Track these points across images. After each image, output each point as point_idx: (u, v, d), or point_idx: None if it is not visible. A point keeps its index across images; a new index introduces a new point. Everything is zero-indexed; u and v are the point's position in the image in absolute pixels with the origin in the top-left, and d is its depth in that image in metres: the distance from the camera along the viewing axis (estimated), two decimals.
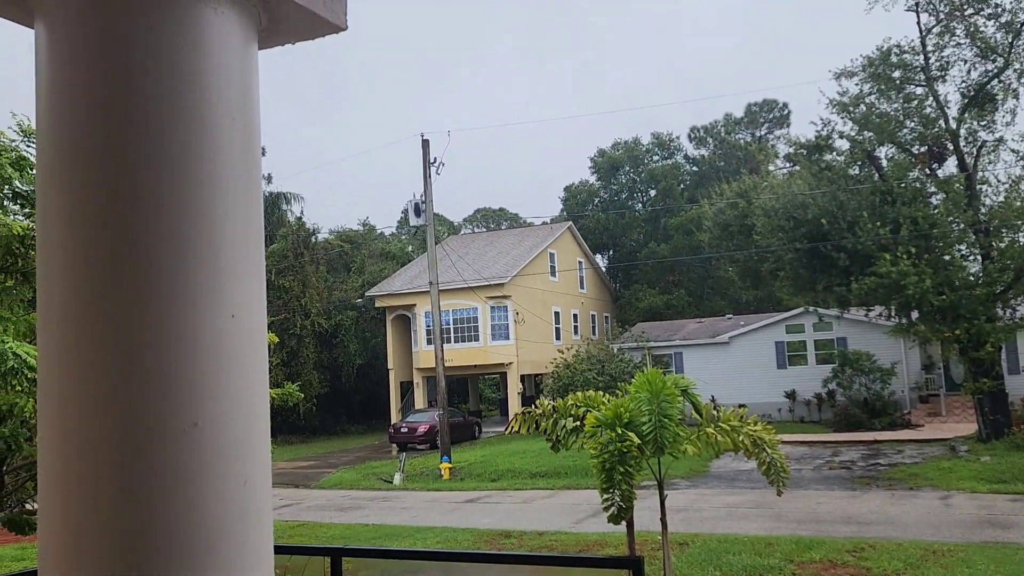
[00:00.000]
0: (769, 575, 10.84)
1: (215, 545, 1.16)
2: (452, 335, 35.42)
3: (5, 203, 6.56)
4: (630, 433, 5.47)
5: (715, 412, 6.15)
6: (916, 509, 14.98)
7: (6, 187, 6.34)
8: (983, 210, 22.16)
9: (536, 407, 6.41)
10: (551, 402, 6.37)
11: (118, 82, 1.17)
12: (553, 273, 39.77)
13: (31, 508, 9.18)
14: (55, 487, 1.16)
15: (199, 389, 1.16)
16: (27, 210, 6.88)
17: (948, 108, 22.64)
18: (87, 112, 1.18)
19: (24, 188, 6.46)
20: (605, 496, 5.52)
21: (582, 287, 43.22)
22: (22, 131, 6.60)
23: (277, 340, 8.55)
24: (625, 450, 5.43)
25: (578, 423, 6.04)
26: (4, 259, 6.40)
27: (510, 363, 35.33)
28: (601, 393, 6.32)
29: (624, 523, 5.87)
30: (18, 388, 6.08)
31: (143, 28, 1.17)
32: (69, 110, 1.20)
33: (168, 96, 1.18)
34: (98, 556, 1.12)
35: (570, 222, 44.59)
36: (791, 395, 30.82)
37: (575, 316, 41.69)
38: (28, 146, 6.59)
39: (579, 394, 6.29)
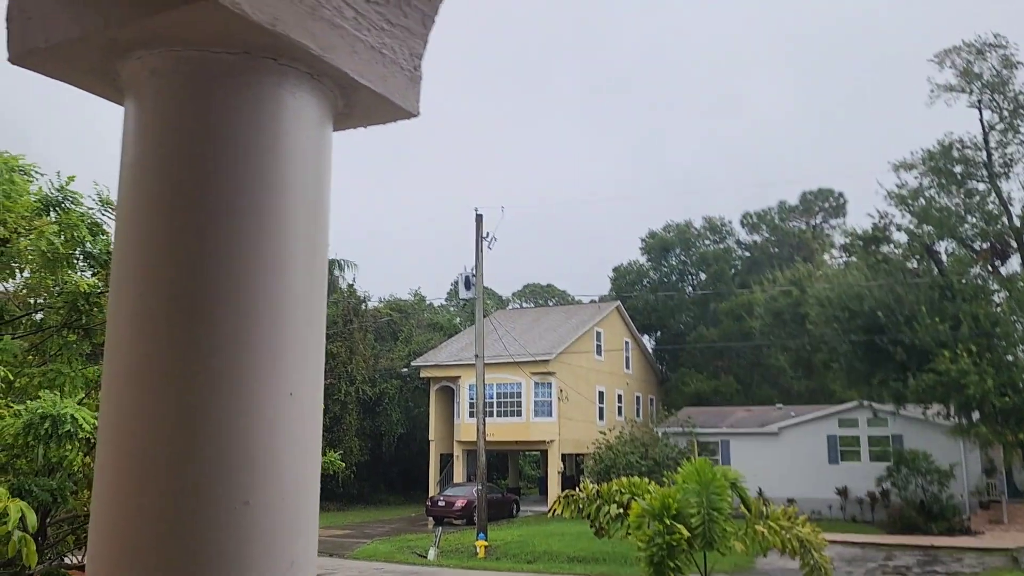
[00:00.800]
0: None
1: None
2: (495, 409, 35.18)
3: (77, 263, 6.84)
4: (679, 526, 5.29)
5: (764, 508, 5.93)
6: None
7: (79, 248, 6.61)
8: None
9: (580, 491, 6.27)
10: (595, 486, 6.22)
11: (198, 162, 1.22)
12: (599, 352, 39.47)
13: (69, 563, 9.22)
14: (106, 554, 1.15)
15: (253, 468, 1.16)
16: (95, 270, 7.13)
17: (1012, 205, 22.26)
18: (166, 189, 1.23)
19: (94, 250, 6.72)
20: None
21: (628, 368, 42.74)
22: (101, 200, 6.92)
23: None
24: (675, 543, 5.25)
25: (622, 510, 5.87)
26: (69, 315, 6.61)
27: (551, 441, 34.82)
28: (647, 480, 6.16)
29: None
30: (68, 445, 6.17)
31: (226, 110, 1.22)
32: (149, 186, 1.24)
33: (244, 177, 1.22)
34: None
35: (618, 302, 44.44)
36: (843, 492, 29.61)
37: (619, 397, 41.12)
38: (103, 214, 6.89)
39: (624, 480, 6.14)
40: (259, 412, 1.18)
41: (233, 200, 1.22)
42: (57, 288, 6.70)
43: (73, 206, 6.49)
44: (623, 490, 6.04)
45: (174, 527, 1.11)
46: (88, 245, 6.58)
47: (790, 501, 25.84)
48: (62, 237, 6.12)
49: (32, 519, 4.69)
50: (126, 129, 1.30)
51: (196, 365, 1.16)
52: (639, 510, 5.65)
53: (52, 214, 6.40)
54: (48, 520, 7.39)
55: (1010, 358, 21.33)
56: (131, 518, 1.14)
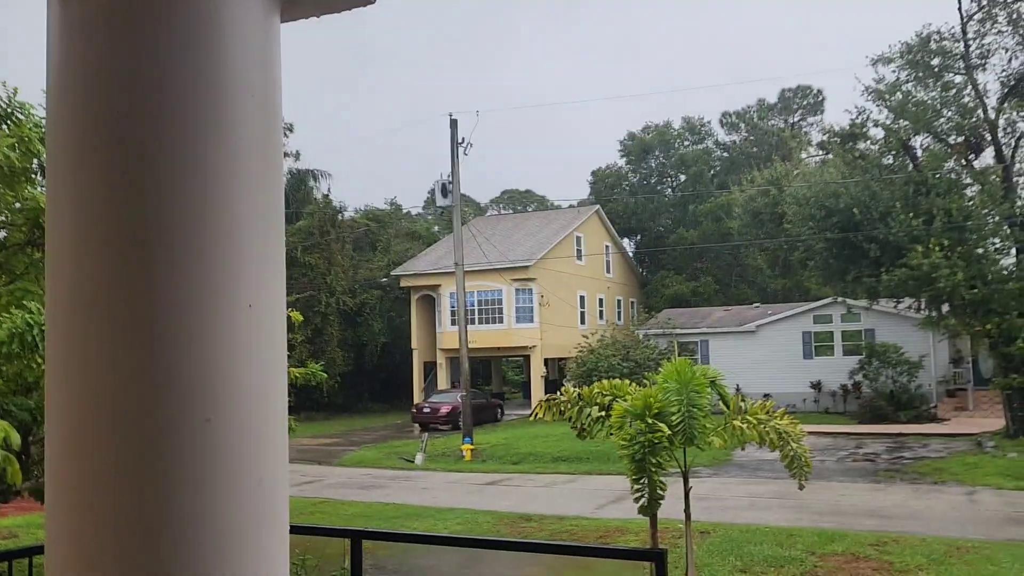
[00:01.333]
0: (790, 567, 10.74)
1: (227, 547, 1.11)
2: (476, 317, 35.47)
3: (33, 176, 6.60)
4: (661, 424, 5.40)
5: (742, 404, 6.06)
6: (940, 504, 14.77)
7: (35, 160, 6.37)
8: (1020, 203, 21.69)
9: (561, 394, 6.35)
10: (576, 389, 6.30)
11: (132, 59, 1.11)
12: (579, 257, 39.61)
13: None
14: (62, 481, 1.11)
15: (213, 383, 1.10)
16: None
17: (987, 98, 22.14)
18: (100, 91, 1.12)
19: None
20: (636, 487, 5.47)
21: (608, 271, 43.02)
22: None
23: (302, 318, 8.56)
24: (656, 441, 5.37)
25: (603, 412, 5.97)
26: (32, 232, 6.44)
27: (534, 346, 35.32)
28: (627, 382, 6.24)
29: (643, 514, 5.80)
30: (38, 358, 6.11)
31: (158, 1, 1.11)
32: (81, 88, 1.14)
33: (184, 73, 1.11)
34: (106, 553, 1.07)
35: (597, 206, 44.33)
36: (817, 386, 30.52)
37: (600, 301, 41.54)
38: None
39: (605, 382, 6.23)
40: (216, 326, 1.11)
41: (174, 99, 1.12)
42: (18, 205, 6.50)
43: (24, 117, 6.20)
44: (604, 392, 6.13)
45: (134, 449, 1.06)
46: (45, 158, 6.34)
47: (766, 396, 26.57)
48: (16, 151, 5.89)
49: (15, 438, 4.69)
50: (50, 29, 1.19)
51: (144, 280, 1.09)
52: (621, 411, 5.74)
53: (3, 127, 6.13)
54: (31, 439, 7.41)
55: (980, 251, 21.63)
56: (87, 445, 1.09)
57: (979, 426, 23.95)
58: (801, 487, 5.97)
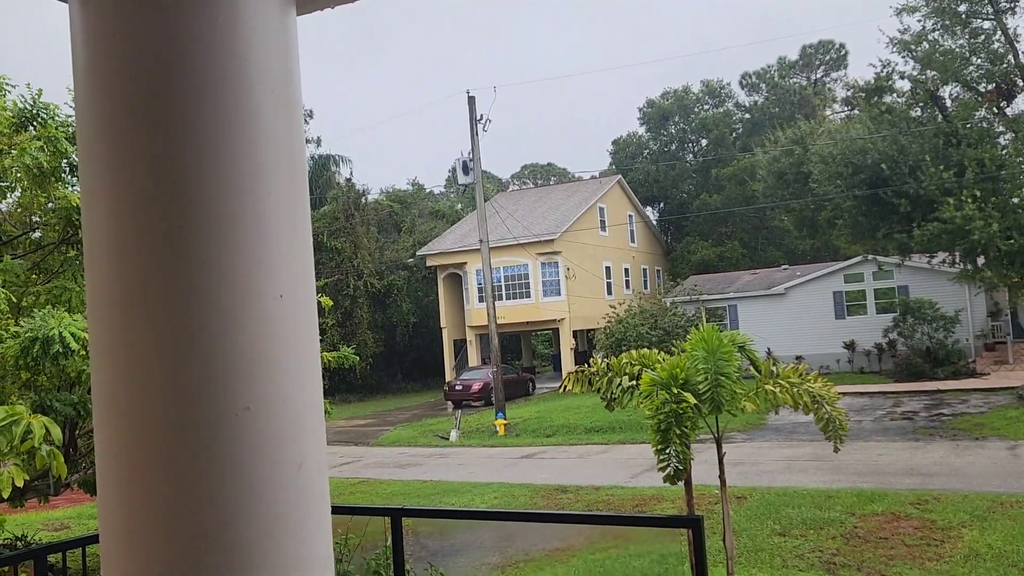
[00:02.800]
0: (830, 528, 10.73)
1: (271, 530, 1.14)
2: (503, 292, 35.52)
3: (64, 176, 6.70)
4: (686, 394, 5.39)
5: (774, 368, 6.02)
6: (982, 460, 14.62)
7: (64, 160, 6.46)
8: None
9: (590, 366, 6.36)
10: (605, 361, 6.30)
11: (154, 58, 1.13)
12: (603, 228, 39.43)
13: None
14: (111, 473, 1.15)
15: (250, 372, 1.13)
16: None
17: (1018, 42, 21.50)
18: (125, 90, 1.14)
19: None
20: (661, 457, 5.47)
21: (633, 241, 42.79)
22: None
23: (331, 303, 8.64)
24: (681, 411, 5.36)
25: (633, 382, 5.97)
26: (65, 231, 6.54)
27: (562, 319, 35.32)
28: (656, 351, 6.23)
29: (669, 483, 5.82)
30: (83, 354, 6.23)
31: (177, 1, 1.12)
32: (106, 88, 1.16)
33: (206, 71, 1.13)
34: (157, 540, 1.11)
35: (619, 175, 44.00)
36: (850, 345, 30.21)
37: (626, 271, 41.38)
38: None
39: (633, 352, 6.22)
40: (250, 317, 1.14)
41: (196, 97, 1.14)
42: (50, 205, 6.61)
43: (48, 118, 6.28)
44: (633, 362, 6.13)
45: (178, 439, 1.10)
46: (74, 156, 6.43)
47: (798, 358, 26.37)
48: (45, 152, 5.96)
49: (56, 433, 4.79)
50: (73, 29, 1.21)
51: (178, 276, 1.12)
52: (649, 380, 5.74)
53: (31, 128, 6.21)
54: (76, 433, 7.59)
55: (1015, 200, 21.15)
56: (133, 437, 1.12)
57: (1020, 379, 23.57)
58: (837, 450, 5.94)
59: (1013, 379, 23.91)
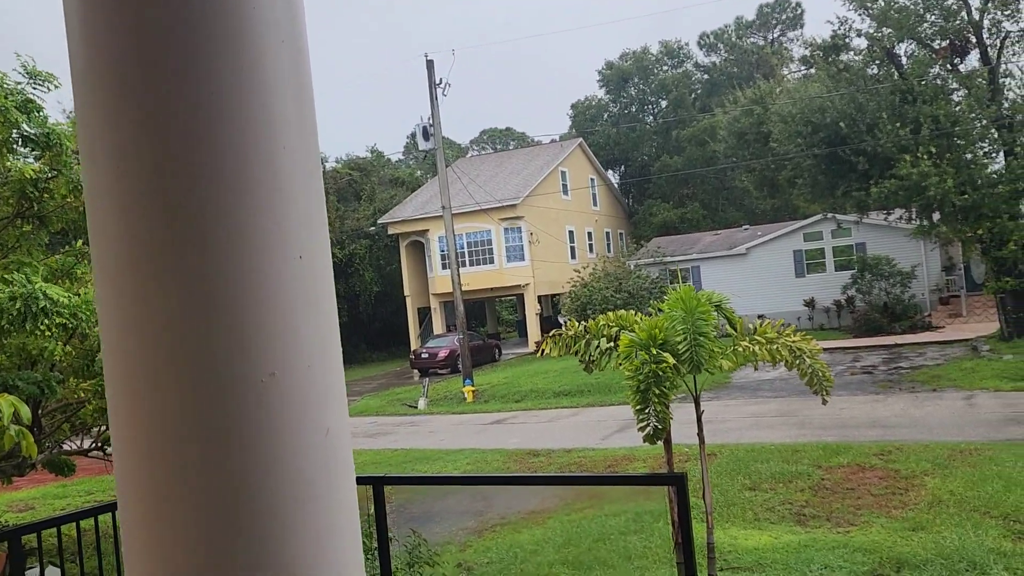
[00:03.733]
0: (798, 481, 10.97)
1: (301, 498, 1.09)
2: (467, 258, 35.40)
3: (16, 147, 6.41)
4: (665, 354, 5.40)
5: (751, 325, 6.07)
6: (940, 410, 15.05)
7: (14, 131, 6.17)
8: (1006, 104, 21.55)
9: (567, 328, 6.35)
10: (582, 323, 6.29)
11: (157, 8, 1.03)
12: (565, 192, 39.39)
13: (68, 448, 9.35)
14: (129, 447, 1.07)
15: (273, 337, 1.06)
16: (36, 153, 6.73)
17: None
18: (126, 45, 1.05)
19: (32, 131, 6.28)
20: (640, 417, 5.49)
21: (595, 204, 42.85)
22: (27, 73, 6.37)
23: None
24: (661, 372, 5.37)
25: (611, 344, 5.97)
26: (20, 204, 6.29)
27: (526, 284, 35.37)
28: (633, 312, 6.23)
29: (648, 443, 5.86)
30: (47, 333, 6.06)
31: None
32: (106, 43, 1.06)
33: (212, 19, 1.04)
34: (181, 510, 1.05)
35: (580, 139, 43.88)
36: (810, 303, 30.78)
37: (589, 234, 41.48)
38: (34, 88, 6.39)
39: (611, 314, 6.21)
40: (270, 279, 1.07)
41: (205, 49, 1.05)
42: (1, 177, 6.33)
43: None
44: (611, 324, 6.12)
45: (201, 410, 1.03)
46: (25, 127, 6.14)
47: (760, 317, 26.78)
48: None
49: (25, 411, 4.65)
50: None
51: (192, 242, 1.04)
52: (628, 341, 5.74)
53: None
54: (40, 411, 7.40)
55: (969, 156, 21.56)
56: (151, 410, 1.05)
57: (974, 331, 24.28)
58: (824, 402, 6.02)
59: (967, 331, 24.61)
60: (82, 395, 7.19)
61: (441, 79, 27.02)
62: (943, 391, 16.91)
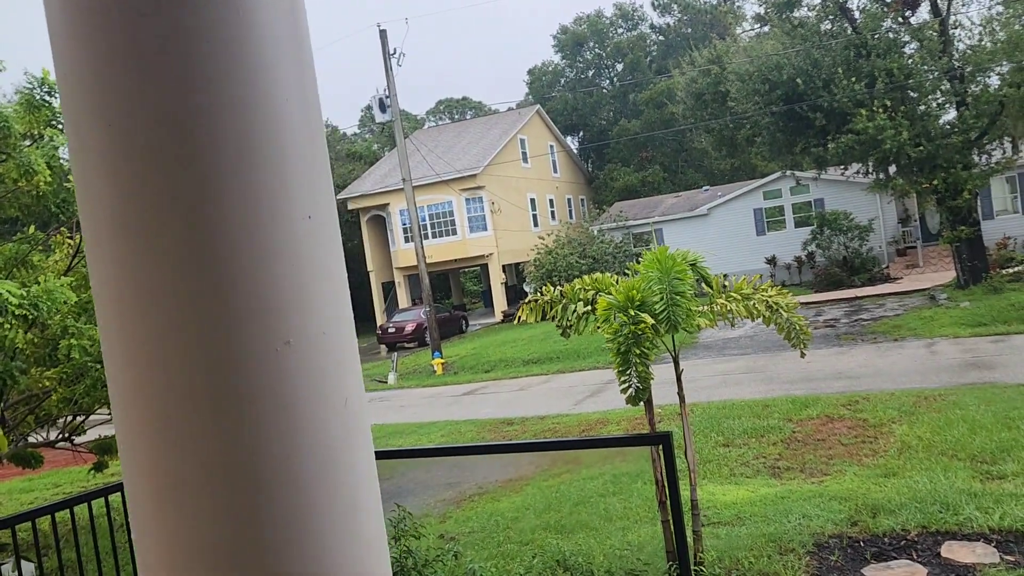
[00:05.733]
0: (770, 435, 11.15)
1: (322, 469, 1.03)
2: (429, 231, 35.16)
3: None
4: (643, 315, 5.39)
5: (726, 283, 6.09)
6: (903, 359, 15.39)
7: None
8: (956, 56, 21.83)
9: (542, 294, 6.30)
10: (559, 288, 6.25)
11: None
12: (525, 160, 39.22)
13: (33, 441, 9.12)
14: (133, 421, 1.00)
15: (287, 304, 1.00)
16: None
17: None
18: (105, 20, 0.97)
19: None
20: (623, 379, 5.49)
21: (555, 171, 42.76)
22: None
23: None
24: (640, 332, 5.36)
25: (588, 307, 5.94)
26: None
27: (490, 254, 35.28)
28: (608, 275, 6.21)
29: (631, 404, 5.87)
30: (5, 325, 5.86)
31: None
32: (83, 25, 0.98)
33: None
34: (199, 490, 0.98)
35: (537, 106, 43.62)
36: (772, 260, 31.19)
37: (551, 201, 41.43)
38: None
39: (587, 278, 6.17)
40: (280, 241, 1.00)
41: (193, 4, 0.97)
42: None
43: None
44: (587, 287, 6.09)
45: (216, 382, 0.96)
46: None
47: (724, 276, 27.08)
48: None
49: None
50: None
51: (195, 206, 0.97)
52: (605, 304, 5.72)
53: None
54: (2, 404, 7.18)
55: (923, 108, 21.86)
56: (157, 384, 0.98)
57: (931, 281, 24.83)
58: (803, 355, 6.07)
59: (924, 281, 25.16)
60: (47, 384, 6.99)
61: (395, 49, 26.59)
62: (904, 340, 17.29)
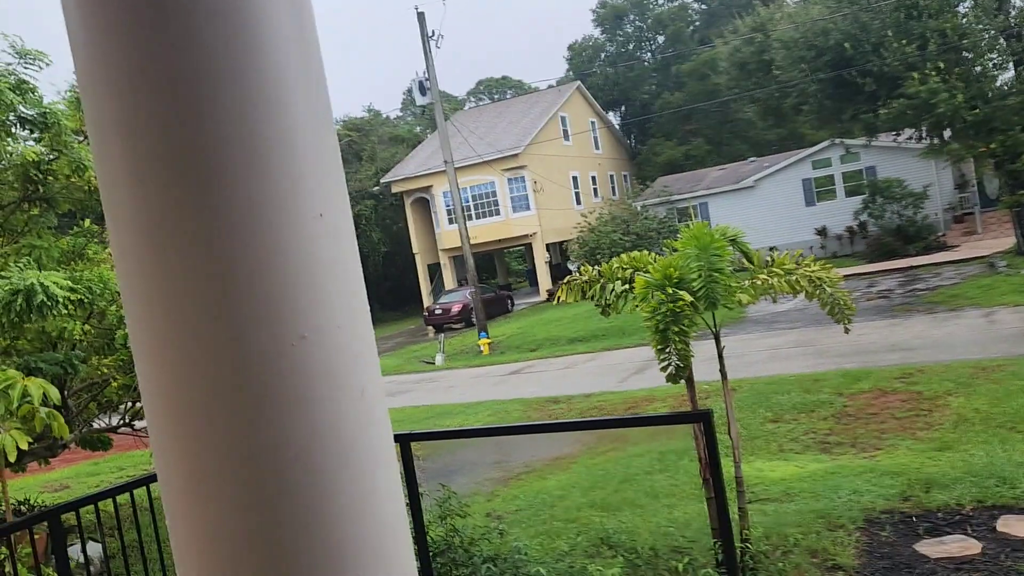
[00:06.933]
0: (820, 410, 11.00)
1: (341, 459, 1.07)
2: (473, 212, 35.25)
3: (13, 130, 6.34)
4: (681, 292, 5.35)
5: (768, 258, 6.01)
6: (960, 329, 14.99)
7: (11, 114, 6.09)
8: (1013, 13, 20.98)
9: (581, 274, 6.30)
10: (596, 268, 6.24)
11: None
12: (567, 137, 38.95)
13: (98, 427, 9.46)
14: (164, 421, 1.05)
15: (300, 299, 1.03)
16: (35, 135, 6.66)
17: None
18: (126, 6, 1.00)
19: (29, 113, 6.20)
20: (662, 357, 5.47)
21: (597, 148, 42.40)
22: (17, 52, 6.26)
23: None
24: (678, 310, 5.33)
25: (627, 286, 5.92)
26: (25, 188, 6.24)
27: (534, 233, 35.24)
28: (647, 253, 6.17)
29: (671, 382, 5.85)
30: (65, 312, 6.07)
31: None
32: (104, 10, 1.02)
33: None
34: (222, 481, 1.03)
35: (578, 82, 43.21)
36: (822, 231, 30.54)
37: (593, 178, 41.14)
38: (25, 67, 6.28)
39: (624, 256, 6.15)
40: (291, 240, 1.03)
41: (200, 9, 1.00)
42: (3, 163, 6.28)
43: None
44: (624, 266, 6.07)
45: (235, 376, 1.00)
46: (22, 108, 6.06)
47: (772, 249, 26.64)
48: None
49: (54, 393, 4.69)
50: None
51: (207, 209, 1.00)
52: (643, 283, 5.69)
53: None
54: (66, 392, 7.46)
55: (978, 69, 21.11)
56: (181, 382, 1.03)
57: (989, 248, 24.05)
58: (847, 331, 5.98)
59: (983, 248, 24.39)
60: (105, 372, 7.24)
61: (433, 31, 26.60)
62: (961, 310, 16.83)
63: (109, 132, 1.03)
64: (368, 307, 1.17)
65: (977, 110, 20.01)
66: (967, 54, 20.84)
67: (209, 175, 0.99)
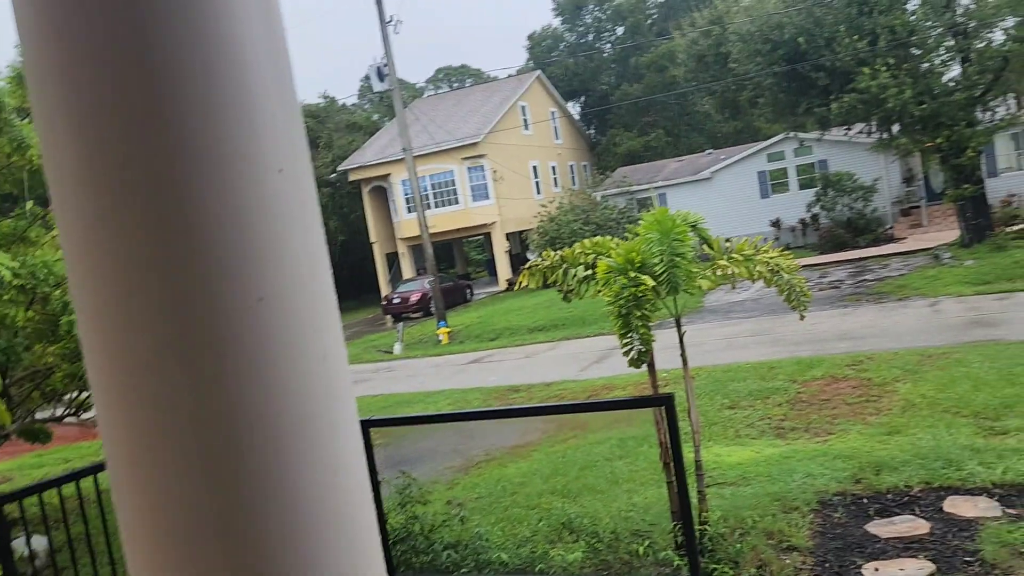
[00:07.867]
0: (775, 396, 11.17)
1: (301, 425, 1.01)
2: (432, 200, 35.04)
3: None
4: (644, 276, 5.36)
5: (727, 244, 6.05)
6: (907, 318, 15.36)
7: None
8: (960, 11, 21.48)
9: (543, 259, 6.27)
10: (558, 253, 6.22)
11: None
12: (526, 126, 38.92)
13: (40, 417, 9.18)
14: (111, 393, 0.98)
15: (260, 258, 0.97)
16: None
17: None
18: None
19: None
20: (624, 341, 5.48)
21: (557, 138, 42.46)
22: None
23: None
24: (640, 294, 5.34)
25: (589, 271, 5.92)
26: None
27: (493, 223, 35.17)
28: (610, 238, 6.17)
29: (633, 367, 5.87)
30: (6, 298, 5.86)
31: None
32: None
33: None
34: (173, 455, 0.96)
35: (538, 71, 43.18)
36: (776, 223, 31.04)
37: (553, 168, 41.20)
38: None
39: (587, 241, 6.14)
40: (250, 195, 0.97)
41: None
42: None
43: None
44: (587, 251, 6.06)
45: (186, 341, 0.94)
46: None
47: (728, 240, 27.00)
48: None
49: None
50: None
51: (164, 158, 0.93)
52: (605, 267, 5.69)
53: None
54: (8, 380, 7.21)
55: (926, 66, 21.59)
56: (130, 345, 0.96)
57: (935, 240, 24.70)
58: (802, 317, 6.05)
59: (928, 240, 25.03)
60: (50, 360, 7.02)
61: (391, 16, 26.28)
62: (908, 300, 17.25)
63: (52, 82, 0.96)
64: (330, 267, 1.12)
65: (924, 105, 20.48)
66: (916, 50, 21.30)
67: (162, 127, 0.93)
